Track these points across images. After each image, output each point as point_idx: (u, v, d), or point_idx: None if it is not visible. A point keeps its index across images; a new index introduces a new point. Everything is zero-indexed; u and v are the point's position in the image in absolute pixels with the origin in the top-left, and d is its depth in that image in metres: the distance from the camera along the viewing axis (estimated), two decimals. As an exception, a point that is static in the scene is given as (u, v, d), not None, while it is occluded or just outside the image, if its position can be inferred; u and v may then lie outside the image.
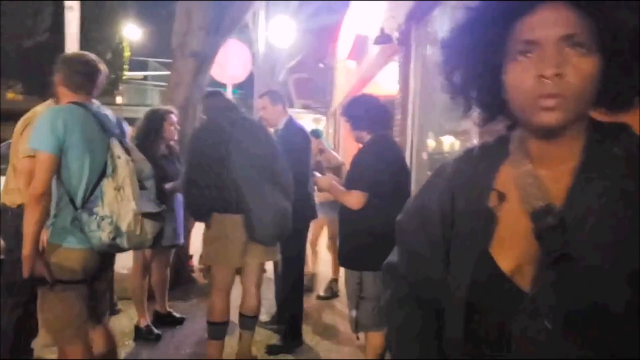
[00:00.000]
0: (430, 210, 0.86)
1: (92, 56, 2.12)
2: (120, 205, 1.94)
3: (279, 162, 2.70)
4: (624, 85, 0.70)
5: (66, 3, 2.83)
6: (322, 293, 4.46)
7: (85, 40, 13.63)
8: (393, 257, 0.97)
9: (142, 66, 22.49)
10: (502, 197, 0.77)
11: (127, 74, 17.93)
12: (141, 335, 3.26)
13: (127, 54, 17.43)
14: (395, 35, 5.27)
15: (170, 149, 3.39)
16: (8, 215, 2.56)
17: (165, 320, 3.52)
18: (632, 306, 0.64)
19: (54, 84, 2.07)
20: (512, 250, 0.74)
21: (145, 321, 3.30)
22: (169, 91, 4.50)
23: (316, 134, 4.89)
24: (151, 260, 3.31)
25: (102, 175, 1.95)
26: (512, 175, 0.77)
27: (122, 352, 2.96)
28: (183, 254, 4.45)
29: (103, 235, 1.91)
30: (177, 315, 3.63)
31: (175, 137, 3.39)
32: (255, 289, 2.81)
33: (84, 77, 2.03)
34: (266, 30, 9.73)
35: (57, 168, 1.89)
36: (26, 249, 1.85)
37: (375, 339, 2.53)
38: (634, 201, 0.66)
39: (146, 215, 2.02)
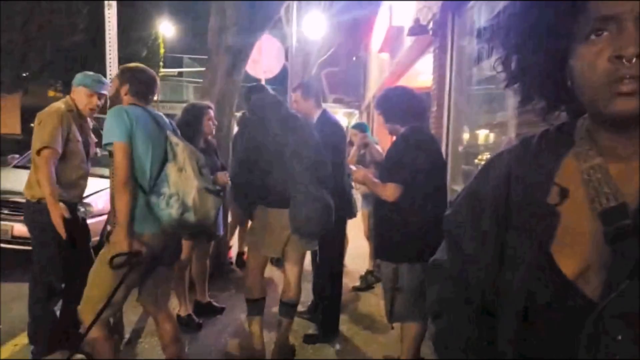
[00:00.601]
0: (482, 204, 0.79)
1: (151, 71, 2.41)
2: (184, 183, 2.15)
3: (321, 157, 2.75)
4: None
5: (106, 2, 2.92)
6: (358, 284, 4.49)
7: (123, 38, 14.08)
8: (440, 253, 0.89)
9: (177, 63, 23.00)
10: (565, 192, 0.69)
11: (163, 70, 18.38)
12: (182, 323, 3.38)
13: (162, 51, 17.85)
14: (430, 25, 5.20)
15: (207, 143, 3.47)
16: (30, 209, 2.68)
17: (206, 310, 3.62)
18: None
19: (118, 92, 2.29)
20: (576, 252, 0.66)
21: (187, 310, 3.41)
22: (205, 87, 4.59)
23: (362, 127, 4.92)
24: (192, 252, 3.42)
25: (164, 162, 2.19)
26: (577, 169, 0.69)
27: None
28: (223, 245, 4.56)
29: (172, 211, 2.11)
30: (217, 305, 3.73)
31: (213, 132, 3.47)
32: (295, 278, 2.89)
33: (146, 88, 2.31)
34: (299, 25, 9.77)
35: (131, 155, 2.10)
36: (122, 232, 2.06)
37: (411, 329, 2.54)
38: None
39: (207, 190, 2.21)
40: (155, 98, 2.42)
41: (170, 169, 2.17)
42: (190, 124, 3.27)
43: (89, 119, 2.90)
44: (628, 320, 0.59)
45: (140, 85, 2.28)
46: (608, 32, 0.61)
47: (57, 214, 2.57)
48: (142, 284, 2.33)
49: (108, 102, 2.98)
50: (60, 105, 2.72)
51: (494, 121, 4.12)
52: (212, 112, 3.40)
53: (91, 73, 2.84)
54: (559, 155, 0.73)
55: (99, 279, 2.14)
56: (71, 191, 2.74)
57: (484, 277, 0.78)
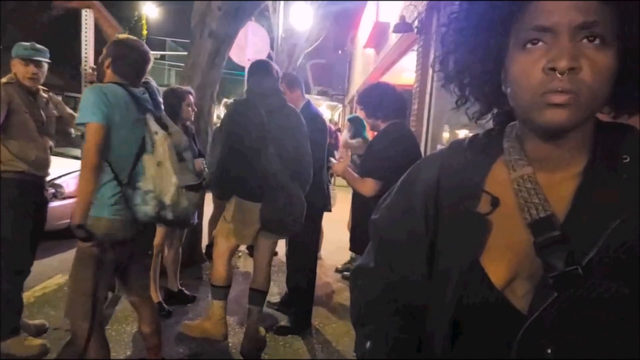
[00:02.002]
0: (412, 207, 0.77)
1: (145, 49, 2.17)
2: (162, 180, 2.03)
3: (305, 154, 2.73)
4: (638, 84, 0.63)
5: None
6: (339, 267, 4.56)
7: (105, 17, 13.73)
8: (365, 259, 0.87)
9: (160, 45, 22.56)
10: (495, 202, 0.68)
11: (145, 53, 17.98)
12: None
13: (145, 32, 17.48)
14: (415, 24, 5.21)
15: (185, 128, 3.41)
16: None
17: (177, 298, 3.58)
18: None
19: (102, 63, 2.13)
20: (504, 262, 0.66)
21: (157, 298, 3.36)
22: (187, 71, 4.50)
23: (357, 122, 4.91)
24: (164, 239, 3.36)
25: (142, 151, 2.03)
26: (507, 178, 0.69)
27: (133, 328, 3.03)
28: (196, 234, 4.50)
29: (148, 209, 2.01)
30: (189, 293, 3.69)
31: (192, 118, 3.41)
32: (265, 266, 2.90)
33: (133, 68, 2.11)
34: (286, 15, 9.67)
35: (106, 140, 1.94)
36: (77, 217, 1.90)
37: None
38: None
39: (187, 187, 2.10)
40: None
41: (148, 162, 2.02)
42: (168, 109, 3.21)
43: (42, 92, 2.83)
44: (557, 333, 0.60)
45: (126, 64, 2.08)
46: (543, 42, 0.61)
47: None
48: (122, 274, 2.25)
49: (83, 75, 2.89)
50: (4, 80, 2.69)
51: (473, 121, 4.16)
52: (192, 98, 3.34)
53: (26, 43, 2.76)
54: (488, 162, 0.73)
55: (79, 279, 2.04)
56: (31, 165, 2.67)
57: (413, 281, 0.77)
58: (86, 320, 2.01)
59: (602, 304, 0.58)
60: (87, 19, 2.84)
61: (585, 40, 0.59)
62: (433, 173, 0.77)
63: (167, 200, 2.03)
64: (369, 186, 2.44)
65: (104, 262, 2.02)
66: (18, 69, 2.72)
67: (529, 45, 0.62)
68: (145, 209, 2.01)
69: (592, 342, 0.59)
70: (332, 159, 2.87)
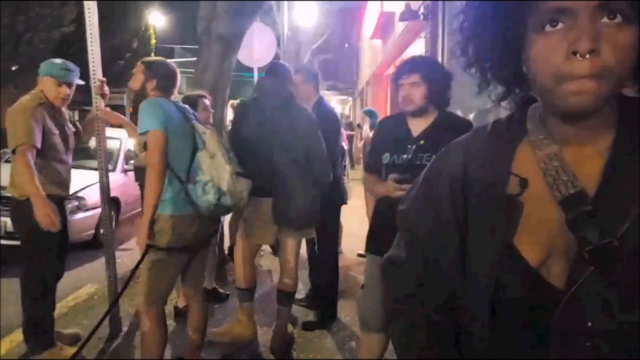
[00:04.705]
0: (439, 197, 0.77)
1: (172, 64, 2.49)
2: (217, 170, 2.25)
3: (316, 149, 2.72)
4: None
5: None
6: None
7: (112, 29, 13.94)
8: (396, 250, 0.87)
9: (169, 53, 22.76)
10: (524, 183, 0.68)
11: (154, 61, 18.16)
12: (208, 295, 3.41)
13: (153, 41, 17.66)
14: (421, 10, 5.17)
15: None
16: (19, 207, 2.57)
17: (211, 296, 3.60)
18: None
19: (144, 87, 2.36)
20: (538, 242, 0.66)
21: (212, 285, 3.53)
22: (196, 77, 4.54)
23: (371, 114, 4.94)
24: None
25: (195, 149, 2.28)
26: (533, 158, 0.69)
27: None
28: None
29: (209, 197, 2.22)
30: (222, 291, 3.74)
31: (210, 121, 3.46)
32: (291, 266, 2.89)
33: (171, 82, 2.41)
34: (290, 13, 9.67)
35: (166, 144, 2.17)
36: (145, 219, 2.16)
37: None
38: None
39: (238, 174, 2.32)
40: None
41: (203, 157, 2.25)
42: None
43: (63, 110, 2.78)
44: (596, 307, 0.60)
45: (165, 80, 2.37)
46: (563, 24, 0.59)
47: (44, 210, 2.50)
48: (187, 267, 2.42)
49: (93, 89, 2.90)
50: (28, 99, 2.59)
51: (487, 105, 4.12)
52: (206, 102, 3.39)
53: (58, 61, 2.70)
54: (512, 145, 0.72)
55: (154, 269, 2.25)
56: (59, 185, 2.69)
57: (446, 272, 0.76)
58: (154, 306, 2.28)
59: (636, 276, 0.58)
60: (92, 32, 2.86)
61: (605, 19, 0.57)
62: (458, 160, 0.77)
63: (224, 186, 2.23)
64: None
65: (173, 264, 2.26)
66: (49, 88, 2.63)
67: (547, 28, 0.60)
68: (207, 197, 2.21)
69: (628, 313, 0.59)
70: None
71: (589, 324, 0.60)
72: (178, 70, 2.48)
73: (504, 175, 0.71)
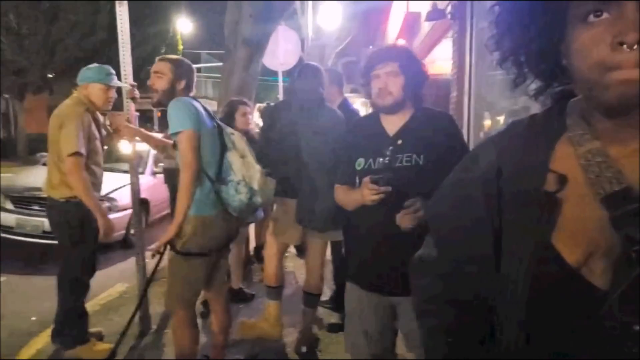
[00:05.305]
0: (472, 196, 0.75)
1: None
2: (248, 169, 2.26)
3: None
4: None
5: (117, 2, 2.93)
6: None
7: (142, 35, 14.29)
8: (425, 250, 0.85)
9: (195, 58, 23.15)
10: (563, 180, 0.65)
11: (182, 66, 18.53)
12: (233, 295, 3.47)
13: (180, 47, 18.02)
14: (449, 9, 5.11)
15: (247, 136, 3.54)
16: (58, 209, 2.68)
17: (238, 296, 3.65)
18: None
19: (173, 87, 2.26)
20: (578, 240, 0.63)
21: (238, 284, 3.60)
22: (223, 81, 4.62)
23: None
24: None
25: (224, 150, 2.26)
26: (572, 154, 0.66)
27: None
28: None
29: (242, 197, 2.21)
30: (247, 291, 3.77)
31: (249, 126, 3.52)
32: (317, 268, 2.90)
33: (193, 81, 2.37)
34: (314, 15, 9.71)
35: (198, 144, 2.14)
36: (178, 219, 2.13)
37: None
38: None
39: (266, 174, 2.33)
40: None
41: (233, 157, 2.25)
42: (224, 120, 3.37)
43: (99, 114, 2.85)
44: None
45: (192, 80, 2.35)
46: (607, 14, 0.57)
47: (107, 222, 2.68)
48: (211, 269, 2.38)
49: (124, 93, 2.97)
50: (74, 105, 2.68)
51: (515, 106, 4.03)
52: (246, 108, 3.47)
53: (103, 66, 2.78)
54: (551, 141, 0.69)
55: (176, 268, 2.23)
56: (94, 187, 2.78)
57: (478, 271, 0.75)
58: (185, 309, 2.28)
59: None
60: (124, 38, 2.95)
61: None
62: (491, 158, 0.75)
63: (256, 185, 2.24)
64: None
65: (201, 264, 2.24)
66: (98, 94, 2.71)
67: (591, 18, 0.58)
68: (240, 197, 2.21)
69: None
70: None
71: (637, 327, 0.57)
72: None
73: (541, 171, 0.68)
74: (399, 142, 1.75)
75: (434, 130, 1.75)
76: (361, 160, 1.79)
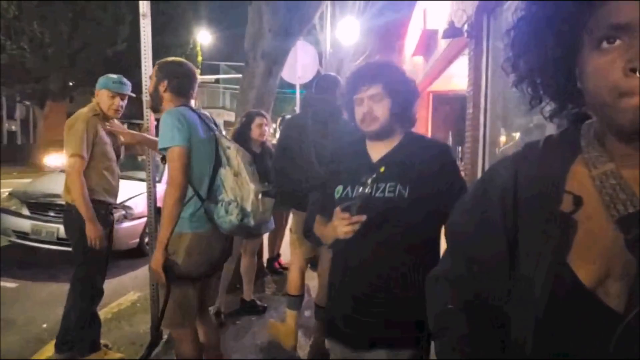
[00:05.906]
0: (488, 213, 0.76)
1: (189, 64, 2.27)
2: (241, 189, 2.10)
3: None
4: None
5: (140, 10, 3.00)
6: None
7: (162, 46, 14.59)
8: (441, 265, 0.88)
9: (214, 70, 23.50)
10: (578, 201, 0.66)
11: (200, 77, 18.87)
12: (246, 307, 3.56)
13: (199, 58, 18.32)
14: (465, 28, 5.13)
15: (263, 147, 3.60)
16: (71, 213, 2.69)
17: (249, 308, 3.66)
18: None
19: (156, 89, 2.18)
20: (593, 261, 0.64)
21: (250, 296, 3.66)
22: (242, 93, 4.67)
23: None
24: (240, 247, 3.46)
25: (218, 166, 2.11)
26: (587, 176, 0.67)
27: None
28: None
29: (232, 218, 2.06)
30: (259, 303, 3.76)
31: (265, 137, 3.55)
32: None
33: (187, 83, 2.18)
34: (332, 31, 9.82)
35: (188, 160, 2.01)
36: (162, 239, 2.00)
37: None
38: None
39: (263, 193, 2.18)
40: (193, 104, 2.30)
41: (226, 174, 2.10)
42: (241, 131, 3.48)
43: (116, 121, 2.91)
44: None
45: (179, 80, 2.16)
46: (621, 41, 0.58)
47: (94, 228, 2.63)
48: (203, 287, 2.30)
49: (145, 103, 3.04)
50: (87, 110, 2.77)
51: (531, 124, 4.01)
52: (263, 119, 3.50)
53: (114, 75, 2.86)
54: (566, 162, 0.70)
55: (172, 297, 2.12)
56: (108, 192, 2.82)
57: (493, 287, 0.75)
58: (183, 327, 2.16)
59: None
60: (146, 49, 3.02)
61: None
62: (509, 177, 0.75)
63: (248, 207, 2.08)
64: None
65: (194, 288, 2.13)
66: (103, 100, 2.79)
67: (604, 44, 0.59)
68: (230, 218, 2.05)
69: None
70: None
71: None
72: (195, 71, 2.29)
73: (557, 192, 0.68)
74: (382, 169, 1.53)
75: (425, 161, 1.52)
76: (339, 188, 1.58)
